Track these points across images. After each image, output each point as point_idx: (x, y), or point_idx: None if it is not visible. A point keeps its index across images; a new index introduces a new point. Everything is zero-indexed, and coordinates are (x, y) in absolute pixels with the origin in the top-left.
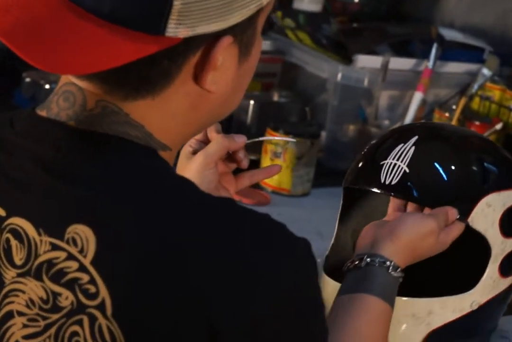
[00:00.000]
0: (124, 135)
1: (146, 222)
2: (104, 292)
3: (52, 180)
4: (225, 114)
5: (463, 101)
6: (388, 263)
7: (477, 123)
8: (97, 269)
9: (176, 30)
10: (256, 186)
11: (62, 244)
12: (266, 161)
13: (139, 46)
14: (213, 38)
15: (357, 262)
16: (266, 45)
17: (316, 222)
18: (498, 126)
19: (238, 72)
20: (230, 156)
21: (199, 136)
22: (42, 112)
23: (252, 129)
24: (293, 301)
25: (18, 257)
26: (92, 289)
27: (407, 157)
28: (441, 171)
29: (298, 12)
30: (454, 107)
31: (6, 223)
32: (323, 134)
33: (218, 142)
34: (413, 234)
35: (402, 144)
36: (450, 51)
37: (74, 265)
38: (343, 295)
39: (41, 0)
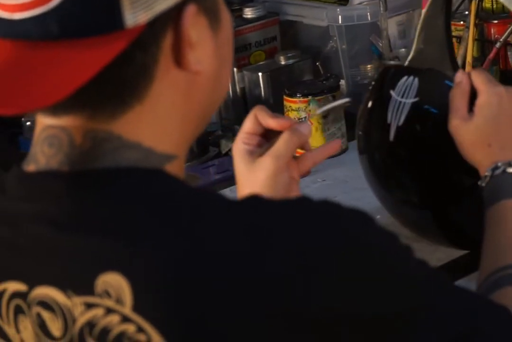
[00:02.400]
0: (125, 162)
1: (174, 252)
2: (156, 338)
3: (65, 236)
4: (222, 96)
5: (474, 4)
6: None
7: (495, 22)
8: (141, 315)
9: (135, 17)
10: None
11: (96, 300)
12: None
13: (106, 48)
14: (176, 13)
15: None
16: (257, 11)
17: (364, 176)
18: None
19: (216, 44)
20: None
21: (250, 128)
22: (30, 167)
23: (270, 101)
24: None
25: (55, 327)
26: (142, 337)
27: None
28: None
29: None
30: (466, 13)
31: (31, 296)
32: (342, 83)
33: (288, 141)
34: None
35: None
36: None
37: (115, 318)
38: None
39: None
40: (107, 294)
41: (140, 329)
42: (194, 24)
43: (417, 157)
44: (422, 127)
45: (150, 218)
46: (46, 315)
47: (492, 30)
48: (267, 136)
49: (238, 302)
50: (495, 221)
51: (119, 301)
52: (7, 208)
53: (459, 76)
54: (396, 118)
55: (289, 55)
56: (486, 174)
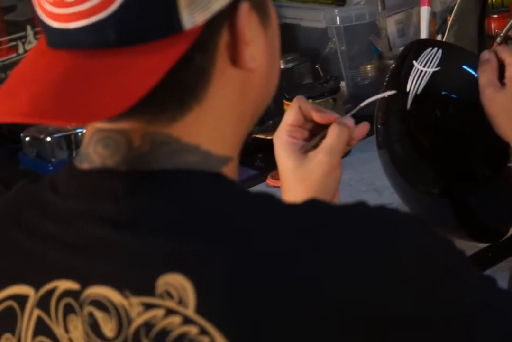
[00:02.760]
0: (183, 165)
1: (231, 254)
2: (220, 340)
3: (121, 235)
4: (272, 93)
5: None
6: None
7: (495, 16)
8: (205, 316)
9: (192, 19)
10: None
11: (156, 301)
12: None
13: (166, 52)
14: (231, 11)
15: None
16: None
17: (368, 178)
18: None
19: (267, 40)
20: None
21: (295, 120)
22: (83, 166)
23: (270, 105)
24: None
25: (108, 328)
26: (206, 340)
27: None
28: None
29: None
30: None
31: (83, 296)
32: (343, 85)
33: (339, 135)
34: None
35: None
36: None
37: (176, 319)
38: None
39: (47, 69)
40: (168, 295)
41: (203, 331)
42: (247, 21)
43: (434, 134)
44: (440, 98)
45: (209, 220)
46: (99, 315)
47: (492, 24)
48: (310, 129)
49: (283, 304)
50: None
51: (181, 302)
52: (59, 205)
53: (486, 54)
54: (415, 86)
55: (288, 58)
56: None
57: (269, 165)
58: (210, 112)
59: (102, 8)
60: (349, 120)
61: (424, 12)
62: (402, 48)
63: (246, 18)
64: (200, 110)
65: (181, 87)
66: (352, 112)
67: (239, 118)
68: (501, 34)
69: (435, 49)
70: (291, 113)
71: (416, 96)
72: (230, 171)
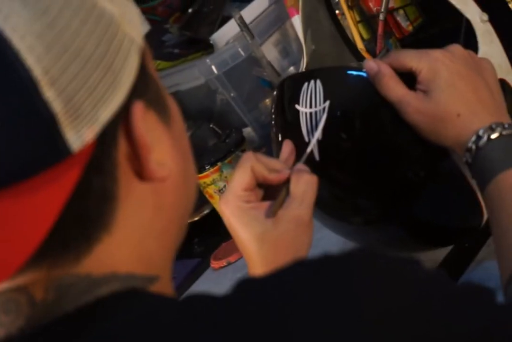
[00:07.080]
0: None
1: None
2: None
3: None
4: (194, 194)
5: None
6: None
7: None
8: None
9: (80, 137)
10: (226, 237)
11: None
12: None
13: (56, 184)
14: (123, 115)
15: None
16: None
17: None
18: None
19: (173, 136)
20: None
21: (247, 185)
22: None
23: None
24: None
25: None
26: None
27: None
28: None
29: None
30: (337, 0)
31: None
32: (248, 131)
33: (307, 181)
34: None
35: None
36: None
37: None
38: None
39: None
40: None
41: None
42: (144, 123)
43: (355, 168)
44: (347, 131)
45: None
46: None
47: (370, 4)
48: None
49: None
50: (498, 203)
51: None
52: None
53: (371, 64)
54: (313, 133)
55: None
56: (469, 145)
57: (208, 248)
58: (124, 237)
59: None
60: (302, 166)
61: (297, 22)
62: (291, 68)
63: (143, 120)
64: (111, 239)
65: (81, 221)
66: (303, 159)
67: (161, 233)
68: (382, 10)
69: (312, 82)
70: (243, 176)
71: (320, 142)
72: (161, 287)
